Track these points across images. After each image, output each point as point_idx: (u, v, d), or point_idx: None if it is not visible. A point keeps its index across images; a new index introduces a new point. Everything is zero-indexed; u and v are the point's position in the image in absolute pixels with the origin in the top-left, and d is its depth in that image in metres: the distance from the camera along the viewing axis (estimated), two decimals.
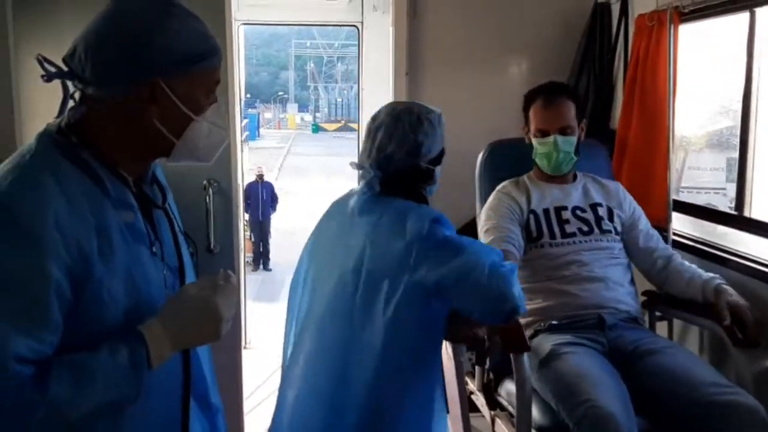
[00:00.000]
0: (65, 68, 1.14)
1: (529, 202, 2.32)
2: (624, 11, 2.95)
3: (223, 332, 1.16)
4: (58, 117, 1.16)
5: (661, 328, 2.43)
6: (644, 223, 2.37)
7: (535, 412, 1.96)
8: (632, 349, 2.09)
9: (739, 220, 2.49)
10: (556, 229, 2.28)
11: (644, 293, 2.39)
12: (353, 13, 4.51)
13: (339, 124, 34.80)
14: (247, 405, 3.24)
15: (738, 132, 2.53)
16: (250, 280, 6.74)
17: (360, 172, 1.88)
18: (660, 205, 2.59)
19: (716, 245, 2.49)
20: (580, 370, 1.95)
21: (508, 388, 2.17)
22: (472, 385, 2.39)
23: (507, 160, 2.55)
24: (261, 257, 10.13)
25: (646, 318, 2.37)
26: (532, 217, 2.30)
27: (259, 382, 4.00)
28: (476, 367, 2.34)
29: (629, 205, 2.38)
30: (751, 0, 2.37)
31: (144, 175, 1.24)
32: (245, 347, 4.51)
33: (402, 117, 1.83)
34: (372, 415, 1.74)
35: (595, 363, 2.01)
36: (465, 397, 2.25)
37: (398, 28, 3.11)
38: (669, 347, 2.10)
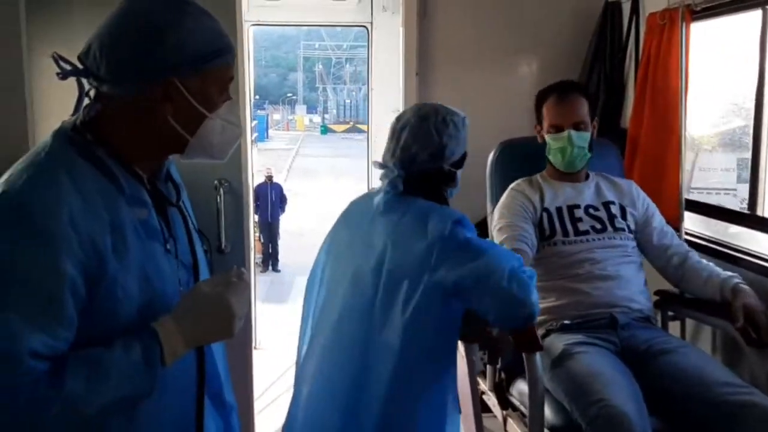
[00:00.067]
0: (80, 66, 1.14)
1: (542, 200, 2.31)
2: (635, 10, 2.94)
3: (236, 329, 1.16)
4: (73, 115, 1.17)
5: (674, 327, 2.42)
6: (658, 220, 2.36)
7: (548, 412, 1.95)
8: (645, 349, 2.08)
9: (752, 219, 2.48)
10: (569, 227, 2.27)
11: (657, 293, 2.38)
12: (362, 14, 4.51)
13: (347, 126, 34.84)
14: (258, 405, 3.24)
15: (751, 131, 2.51)
16: (259, 282, 6.75)
17: (382, 171, 1.88)
18: (672, 204, 2.58)
19: (729, 244, 2.48)
20: (592, 369, 1.94)
21: (520, 387, 2.16)
22: (483, 385, 2.38)
23: (518, 160, 2.54)
24: (270, 258, 10.15)
25: (659, 318, 2.36)
26: (545, 215, 2.29)
27: (269, 382, 4.01)
28: (488, 367, 2.33)
29: (642, 203, 2.37)
30: None
31: (158, 172, 1.24)
32: (255, 348, 4.52)
33: (428, 118, 1.84)
34: (388, 415, 1.75)
35: (607, 362, 2.00)
36: (477, 396, 2.25)
37: (408, 29, 3.11)
38: (682, 347, 2.09)
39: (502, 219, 2.30)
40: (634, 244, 2.30)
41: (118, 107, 1.15)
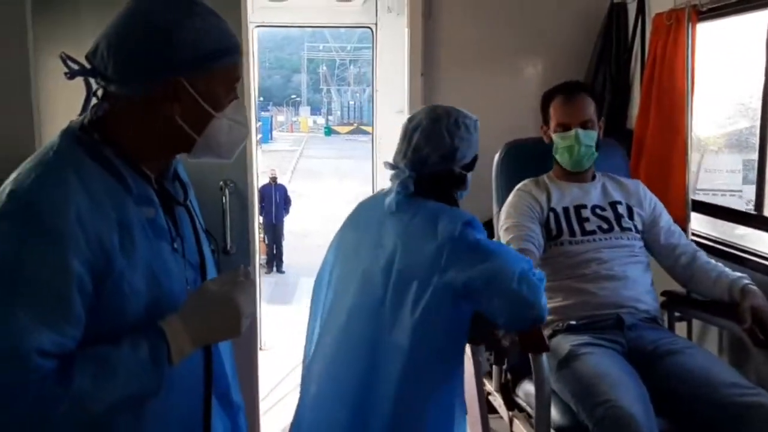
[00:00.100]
0: (88, 66, 1.15)
1: (549, 200, 2.31)
2: (641, 10, 2.93)
3: (243, 328, 1.16)
4: (81, 114, 1.17)
5: (680, 328, 2.41)
6: (666, 219, 2.35)
7: (554, 413, 1.94)
8: (652, 350, 2.07)
9: (758, 220, 2.47)
10: (576, 227, 2.27)
11: (663, 293, 2.37)
12: (367, 15, 4.51)
13: (351, 127, 34.88)
14: (263, 405, 3.25)
15: (757, 131, 2.50)
16: (263, 283, 6.76)
17: (393, 172, 1.89)
18: (678, 205, 2.57)
19: (735, 245, 2.47)
20: (599, 370, 1.94)
21: (526, 388, 2.16)
22: (489, 386, 2.38)
23: (524, 160, 2.54)
24: (274, 259, 10.14)
25: (665, 318, 2.35)
26: (551, 215, 2.29)
27: (274, 383, 4.02)
28: (494, 368, 2.33)
29: (650, 203, 2.37)
30: None
31: (165, 171, 1.25)
32: (260, 349, 4.52)
33: (440, 120, 1.85)
34: (398, 415, 1.75)
35: (614, 363, 1.99)
36: (483, 397, 2.25)
37: (413, 29, 3.11)
38: (688, 347, 2.09)
39: (509, 219, 2.30)
40: (641, 244, 2.30)
41: (125, 107, 1.15)
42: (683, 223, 2.55)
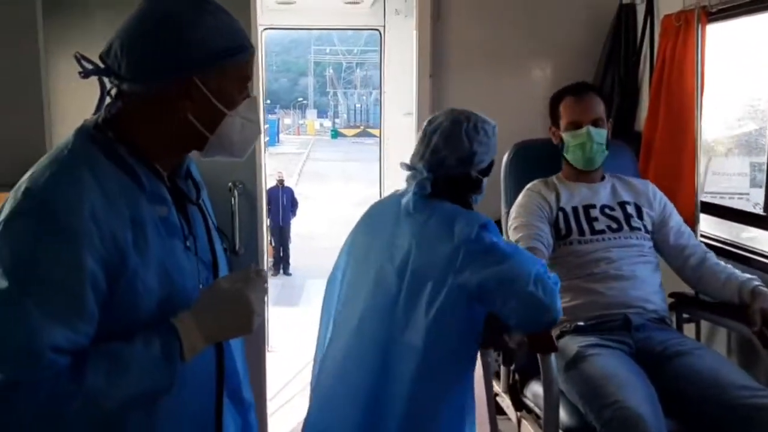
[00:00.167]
0: (101, 65, 1.15)
1: (558, 200, 2.31)
2: (650, 12, 2.93)
3: (255, 325, 1.17)
4: (95, 113, 1.18)
5: (689, 329, 2.41)
6: (676, 220, 2.35)
7: (562, 414, 1.94)
8: (660, 350, 2.07)
9: (767, 221, 2.46)
10: (585, 227, 2.27)
11: (671, 295, 2.36)
12: (375, 17, 4.52)
13: (358, 130, 34.91)
14: (271, 406, 3.25)
15: (767, 132, 2.50)
16: (270, 285, 6.75)
17: (409, 173, 1.91)
18: (687, 207, 2.56)
19: (744, 246, 2.46)
20: (607, 371, 1.94)
21: (535, 389, 2.16)
22: (497, 387, 2.37)
23: (532, 161, 2.54)
24: (281, 262, 10.16)
25: (674, 319, 2.35)
26: (561, 214, 2.29)
27: (281, 384, 4.03)
28: (502, 369, 2.33)
29: (659, 203, 2.36)
30: None
31: (178, 170, 1.25)
32: (268, 350, 4.53)
33: (460, 123, 1.86)
34: (411, 416, 1.76)
35: (622, 364, 1.99)
36: (492, 398, 2.25)
37: (422, 31, 3.11)
38: (697, 348, 2.08)
39: (519, 218, 2.30)
40: (650, 244, 2.30)
41: (138, 105, 1.16)
42: (692, 224, 2.54)
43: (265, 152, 4.01)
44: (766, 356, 2.04)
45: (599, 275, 2.20)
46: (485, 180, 1.91)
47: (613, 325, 2.14)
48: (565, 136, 2.34)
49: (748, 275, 2.17)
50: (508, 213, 2.43)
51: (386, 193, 3.31)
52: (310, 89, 41.16)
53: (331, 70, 38.91)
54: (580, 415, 1.94)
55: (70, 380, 1.02)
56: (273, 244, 9.92)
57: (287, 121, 37.97)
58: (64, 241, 1.03)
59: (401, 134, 4.08)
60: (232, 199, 2.72)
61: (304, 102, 40.74)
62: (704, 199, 2.73)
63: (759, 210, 2.52)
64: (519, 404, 2.26)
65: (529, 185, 2.40)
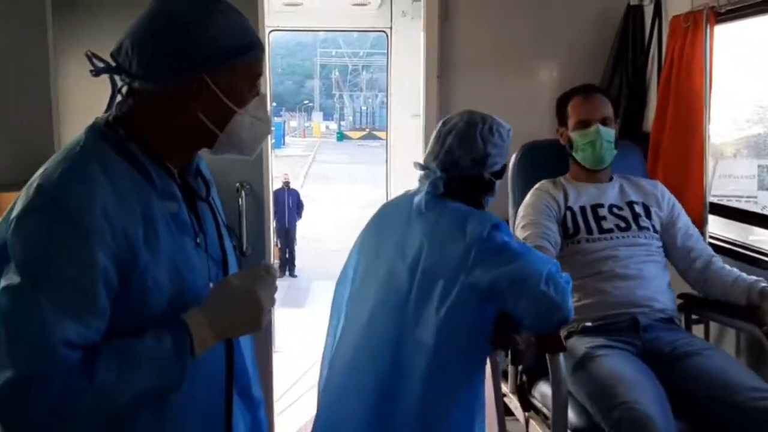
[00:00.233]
0: (113, 64, 1.16)
1: (566, 199, 2.32)
2: (657, 12, 2.92)
3: (264, 322, 1.17)
4: (106, 111, 1.19)
5: (697, 330, 2.39)
6: (684, 221, 2.35)
7: (570, 414, 1.93)
8: (669, 351, 2.06)
9: None
10: (593, 225, 2.27)
11: (680, 296, 2.36)
12: (382, 19, 4.53)
13: (363, 132, 34.94)
14: (278, 406, 3.26)
15: None
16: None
17: (422, 172, 1.92)
18: (696, 208, 2.56)
19: (754, 247, 2.46)
20: (615, 372, 1.94)
21: (542, 389, 2.16)
22: (505, 388, 2.37)
23: (540, 162, 2.55)
24: (287, 263, 10.19)
25: (682, 320, 2.34)
26: (569, 213, 2.29)
27: (287, 384, 4.03)
28: (510, 369, 2.32)
29: (668, 203, 2.36)
30: None
31: (188, 167, 1.26)
32: (274, 351, 4.54)
33: (475, 125, 1.88)
34: (423, 414, 1.77)
35: (630, 365, 1.99)
36: (501, 397, 2.25)
37: (429, 32, 3.11)
38: (706, 349, 2.08)
39: (527, 217, 2.31)
40: (659, 244, 2.29)
41: (149, 103, 1.17)
42: (700, 225, 2.54)
43: (271, 153, 4.03)
44: None
45: (606, 274, 2.20)
46: (498, 182, 1.92)
47: (620, 325, 2.14)
48: (573, 135, 2.34)
49: (754, 277, 2.17)
50: (515, 214, 2.43)
51: (393, 195, 3.32)
52: (316, 92, 41.19)
53: (336, 73, 38.96)
54: (588, 415, 1.93)
55: (82, 375, 1.02)
56: (279, 245, 9.95)
57: (293, 123, 38.03)
58: (77, 238, 1.04)
59: (408, 136, 4.09)
60: (240, 200, 2.73)
61: (310, 104, 40.79)
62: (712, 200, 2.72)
63: (766, 212, 2.52)
64: (527, 405, 2.25)
65: (537, 185, 2.41)
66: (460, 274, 1.73)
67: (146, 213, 1.11)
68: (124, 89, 1.18)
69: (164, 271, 1.12)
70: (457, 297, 1.73)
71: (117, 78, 1.17)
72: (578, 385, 1.99)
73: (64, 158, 1.11)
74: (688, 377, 1.96)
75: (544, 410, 2.14)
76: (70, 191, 1.06)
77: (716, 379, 1.91)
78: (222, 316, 1.14)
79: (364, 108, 37.89)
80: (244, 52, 1.17)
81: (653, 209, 2.33)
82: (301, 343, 5.12)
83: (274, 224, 9.73)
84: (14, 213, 1.07)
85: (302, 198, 10.84)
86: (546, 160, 2.51)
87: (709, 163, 2.61)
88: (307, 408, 3.38)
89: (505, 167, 1.95)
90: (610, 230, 2.26)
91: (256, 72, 1.22)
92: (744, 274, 2.19)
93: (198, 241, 1.20)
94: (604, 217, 2.28)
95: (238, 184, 2.74)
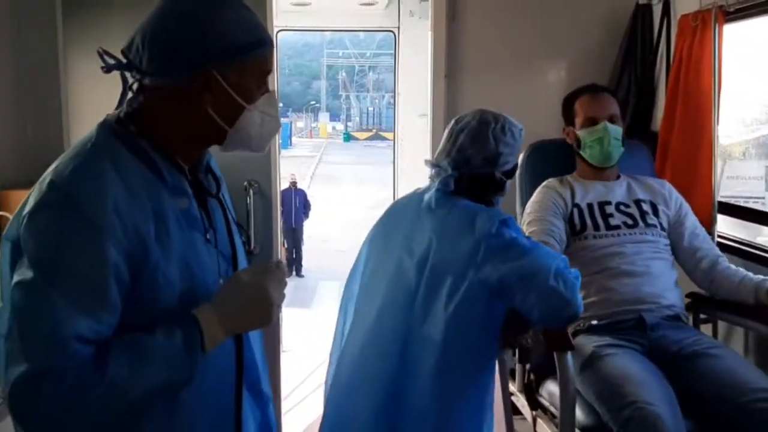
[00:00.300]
0: (124, 60, 1.17)
1: (573, 196, 2.32)
2: (666, 12, 2.92)
3: (274, 317, 1.18)
4: (117, 108, 1.20)
5: (705, 329, 2.39)
6: (692, 221, 2.35)
7: (578, 413, 1.93)
8: (676, 350, 2.06)
9: None
10: (600, 222, 2.27)
11: (689, 295, 2.35)
12: (389, 19, 4.53)
13: (370, 133, 34.95)
14: (285, 405, 3.27)
15: None
16: None
17: (434, 170, 1.93)
18: (704, 208, 2.55)
19: (762, 247, 2.45)
20: (624, 371, 1.93)
21: (550, 388, 2.15)
22: (512, 387, 2.37)
23: (548, 161, 2.55)
24: (294, 263, 10.20)
25: (690, 320, 2.34)
26: (575, 210, 2.30)
27: (295, 383, 4.04)
28: (517, 368, 2.32)
29: (675, 202, 2.36)
30: None
31: (199, 163, 1.26)
32: (281, 350, 4.56)
33: (488, 124, 1.89)
34: (428, 411, 1.77)
35: (638, 364, 1.99)
36: (508, 396, 2.25)
37: (437, 32, 3.11)
38: (714, 347, 2.07)
39: (533, 213, 2.32)
40: (666, 241, 2.30)
41: (159, 99, 1.17)
42: (709, 225, 2.53)
43: (279, 153, 4.04)
44: None
45: (613, 271, 2.20)
46: (509, 182, 1.92)
47: (627, 324, 2.14)
48: (581, 133, 2.35)
49: (762, 276, 2.17)
50: (523, 212, 2.43)
51: (400, 195, 3.31)
52: (323, 92, 41.23)
53: (343, 74, 38.98)
54: (596, 414, 1.93)
55: (94, 370, 1.03)
56: (286, 245, 9.95)
57: (300, 124, 38.06)
58: (88, 234, 1.05)
59: (415, 136, 4.09)
60: (248, 198, 2.74)
61: (317, 105, 40.82)
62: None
63: None
64: (534, 403, 2.25)
65: (544, 183, 2.41)
66: (469, 270, 1.74)
67: (157, 209, 1.12)
68: (135, 86, 1.19)
69: (175, 267, 1.13)
70: (466, 293, 1.73)
71: (128, 75, 1.18)
72: (586, 384, 1.99)
73: (75, 155, 1.12)
74: (696, 377, 1.96)
75: (552, 409, 2.14)
76: (81, 187, 1.07)
77: (724, 379, 1.90)
78: (232, 312, 1.15)
79: (370, 109, 37.91)
80: (253, 48, 1.18)
81: (661, 207, 2.33)
82: (307, 342, 5.14)
83: (281, 224, 9.77)
84: (26, 209, 1.08)
85: (309, 198, 10.85)
86: (554, 160, 2.51)
87: (718, 162, 2.60)
88: (314, 407, 3.39)
89: (516, 167, 1.95)
90: (617, 227, 2.26)
91: (266, 68, 1.22)
92: (750, 274, 2.20)
93: (208, 237, 1.21)
94: (611, 215, 2.28)
95: (246, 183, 2.75)
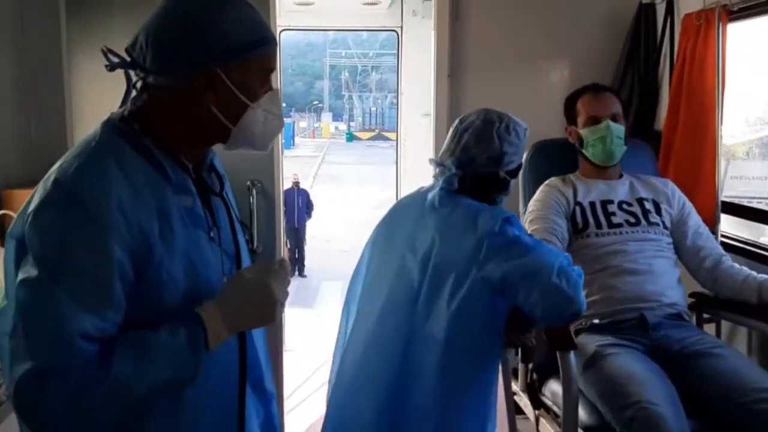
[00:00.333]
0: (127, 59, 1.17)
1: (575, 194, 2.33)
2: (670, 11, 2.91)
3: (278, 315, 1.18)
4: (121, 106, 1.20)
5: (709, 329, 2.38)
6: (695, 220, 2.34)
7: (581, 413, 1.93)
8: (678, 350, 2.05)
9: None
10: (603, 220, 2.27)
11: (692, 294, 2.35)
12: (393, 18, 4.53)
13: (373, 133, 34.96)
14: (287, 404, 3.27)
15: None
16: None
17: (438, 169, 1.93)
18: (707, 207, 2.55)
19: (766, 246, 2.44)
20: (626, 371, 1.93)
21: (553, 388, 2.15)
22: (515, 386, 2.37)
23: (551, 160, 2.55)
24: (296, 263, 10.20)
25: (693, 319, 2.33)
26: (578, 208, 2.30)
27: (297, 382, 4.05)
28: (520, 367, 2.32)
29: (678, 201, 2.36)
30: None
31: (202, 162, 1.27)
32: (284, 350, 4.56)
33: (492, 123, 1.89)
34: (432, 410, 1.77)
35: (641, 363, 1.98)
36: (511, 395, 2.25)
37: (440, 31, 3.11)
38: (717, 347, 2.06)
39: (535, 212, 2.32)
40: (669, 240, 2.29)
41: (163, 97, 1.17)
42: (712, 224, 2.53)
43: (282, 153, 4.04)
44: None
45: (614, 269, 2.20)
46: (513, 181, 1.92)
47: (628, 324, 2.13)
48: (583, 132, 2.35)
49: (765, 275, 2.17)
50: (526, 211, 2.43)
51: (403, 195, 3.32)
52: (326, 92, 41.24)
53: (346, 74, 38.99)
54: (599, 414, 1.93)
55: (98, 368, 1.03)
56: (288, 246, 9.96)
57: (302, 124, 38.10)
58: (93, 231, 1.05)
59: (418, 136, 4.09)
60: (251, 198, 2.74)
61: (320, 105, 40.84)
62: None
63: None
64: (537, 403, 2.25)
65: (546, 181, 2.42)
66: (472, 267, 1.74)
67: (161, 207, 1.12)
68: (139, 84, 1.19)
69: (179, 265, 1.13)
70: (469, 291, 1.74)
71: (132, 73, 1.18)
72: (589, 384, 1.98)
73: (79, 153, 1.12)
74: (699, 377, 1.95)
75: (555, 408, 2.13)
76: (85, 185, 1.07)
77: (728, 380, 1.90)
78: (236, 310, 1.15)
79: (373, 109, 37.91)
80: (257, 46, 1.18)
81: (663, 206, 2.33)
82: (310, 342, 5.15)
83: (284, 224, 9.77)
84: (31, 207, 1.08)
85: (311, 198, 10.86)
86: (557, 159, 2.51)
87: (721, 162, 2.60)
88: (317, 406, 3.39)
89: (520, 166, 1.95)
90: (620, 225, 2.26)
91: (269, 67, 1.22)
92: (754, 273, 2.19)
93: (212, 235, 1.21)
94: (613, 213, 2.29)
95: (249, 183, 2.75)
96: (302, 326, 5.84)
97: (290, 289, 1.25)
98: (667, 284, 2.20)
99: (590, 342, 2.09)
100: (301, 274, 10.13)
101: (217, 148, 1.28)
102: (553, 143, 2.61)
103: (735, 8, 2.46)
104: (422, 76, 3.59)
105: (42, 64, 2.61)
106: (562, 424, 1.94)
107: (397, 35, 4.49)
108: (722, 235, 2.58)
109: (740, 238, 2.60)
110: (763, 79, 3.31)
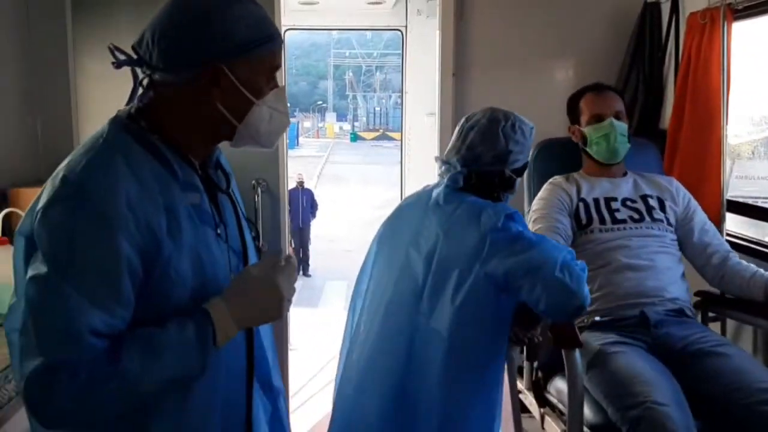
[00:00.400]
0: (134, 56, 1.18)
1: (579, 192, 2.33)
2: (675, 10, 2.91)
3: (285, 311, 1.18)
4: (127, 104, 1.20)
5: (714, 328, 2.38)
6: (701, 217, 2.34)
7: (587, 411, 1.92)
8: (681, 347, 2.04)
9: None
10: (606, 216, 2.28)
11: (697, 293, 2.35)
12: (397, 18, 4.52)
13: (377, 133, 34.96)
14: (293, 403, 3.28)
15: None
16: None
17: (443, 167, 1.94)
18: (713, 205, 2.54)
19: None
20: (632, 370, 1.92)
21: (558, 386, 2.15)
22: (520, 384, 2.37)
23: (556, 159, 2.56)
24: (301, 263, 10.20)
25: (699, 318, 2.33)
26: (581, 205, 2.30)
27: (302, 381, 4.06)
28: (525, 365, 2.32)
29: (683, 198, 2.36)
30: None
31: (209, 159, 1.27)
32: (289, 349, 4.57)
33: (498, 121, 1.90)
34: (437, 408, 1.76)
35: (646, 362, 1.97)
36: (516, 393, 2.25)
37: (445, 30, 3.12)
38: (721, 345, 2.04)
39: (539, 210, 2.32)
40: (673, 237, 2.29)
41: (169, 94, 1.18)
42: (718, 223, 2.52)
43: (287, 152, 4.04)
44: None
45: (616, 265, 2.19)
46: (518, 180, 1.93)
47: (630, 321, 2.13)
48: (587, 130, 2.36)
49: None
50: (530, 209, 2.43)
51: (407, 193, 3.32)
52: (330, 92, 41.29)
53: (350, 74, 39.00)
54: (605, 412, 1.92)
55: (107, 363, 1.04)
56: (293, 245, 9.96)
57: (307, 124, 38.13)
58: (101, 228, 1.05)
59: (423, 136, 4.09)
60: (256, 197, 2.75)
61: (324, 105, 40.88)
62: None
63: None
64: (542, 401, 2.25)
65: (550, 180, 2.43)
66: (475, 263, 1.74)
67: (169, 204, 1.12)
68: (145, 81, 1.19)
69: (187, 261, 1.13)
70: (472, 286, 1.74)
71: (138, 70, 1.19)
72: (594, 382, 1.98)
73: (87, 150, 1.12)
74: (703, 377, 1.94)
75: (560, 406, 2.13)
76: (94, 182, 1.08)
77: (732, 380, 1.88)
78: (243, 306, 1.15)
79: (377, 109, 37.92)
80: (262, 43, 1.18)
81: (668, 203, 2.33)
82: (314, 341, 5.15)
83: (288, 224, 9.77)
84: (40, 204, 1.08)
85: (316, 198, 10.86)
86: (562, 158, 2.51)
87: (726, 161, 2.60)
88: (322, 405, 3.41)
89: (526, 165, 1.96)
90: (623, 221, 2.27)
91: (275, 64, 1.23)
92: (761, 270, 2.19)
93: (219, 232, 1.21)
94: (617, 209, 2.29)
95: (254, 182, 2.76)
96: (307, 325, 5.85)
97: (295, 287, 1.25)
98: (670, 280, 2.20)
99: (594, 340, 2.09)
100: (306, 274, 10.13)
101: (222, 147, 1.29)
102: (557, 142, 2.61)
103: (740, 7, 2.46)
104: (427, 76, 3.59)
105: (48, 63, 2.62)
106: (567, 422, 1.93)
107: (402, 34, 4.49)
108: (728, 234, 2.58)
109: (746, 237, 2.59)
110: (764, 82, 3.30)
